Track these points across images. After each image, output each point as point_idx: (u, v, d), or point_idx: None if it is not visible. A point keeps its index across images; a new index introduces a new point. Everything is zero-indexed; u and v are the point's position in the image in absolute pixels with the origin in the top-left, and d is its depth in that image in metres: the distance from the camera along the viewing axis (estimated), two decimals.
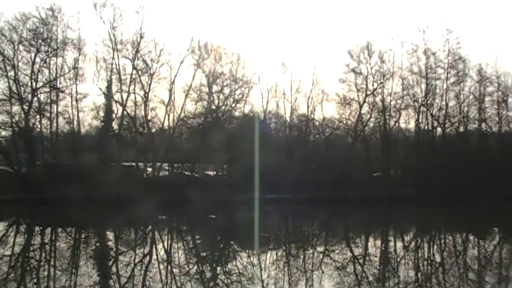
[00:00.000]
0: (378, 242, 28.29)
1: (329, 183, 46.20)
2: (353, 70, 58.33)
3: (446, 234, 31.23)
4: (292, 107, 57.97)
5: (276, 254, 22.94)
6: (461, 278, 17.77)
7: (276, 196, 44.00)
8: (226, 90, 53.34)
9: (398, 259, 21.68)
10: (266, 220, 33.48)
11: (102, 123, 50.15)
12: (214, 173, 52.95)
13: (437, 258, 22.06)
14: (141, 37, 48.28)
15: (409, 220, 39.56)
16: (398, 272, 18.59)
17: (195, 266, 19.72)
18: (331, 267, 19.15)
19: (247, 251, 22.87)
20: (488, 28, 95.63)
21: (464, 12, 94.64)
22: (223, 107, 53.59)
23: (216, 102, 53.27)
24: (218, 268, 19.57)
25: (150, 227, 33.09)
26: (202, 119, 53.24)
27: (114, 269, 18.80)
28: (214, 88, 52.96)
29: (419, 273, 18.56)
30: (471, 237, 29.51)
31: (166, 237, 28.91)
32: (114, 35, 47.96)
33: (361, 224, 36.66)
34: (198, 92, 52.27)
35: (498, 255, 22.85)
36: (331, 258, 21.14)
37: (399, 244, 26.75)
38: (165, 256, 22.07)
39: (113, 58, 48.49)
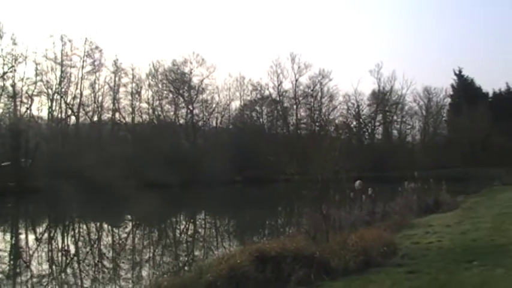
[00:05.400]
0: (7, 236, 26.36)
1: None
2: None
3: (81, 223, 31.00)
4: None
5: None
6: (96, 265, 17.83)
7: None
8: None
9: (31, 252, 20.63)
10: None
11: None
12: None
13: (73, 248, 21.80)
14: None
15: (41, 211, 38.25)
16: (31, 266, 17.59)
17: None
18: None
19: None
20: (124, 20, 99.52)
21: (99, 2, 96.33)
22: None
23: None
24: None
25: None
26: None
27: None
28: None
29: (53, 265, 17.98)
30: (106, 226, 29.88)
31: None
32: None
33: None
34: None
35: (131, 242, 23.76)
36: None
37: (31, 236, 25.49)
38: None
39: None
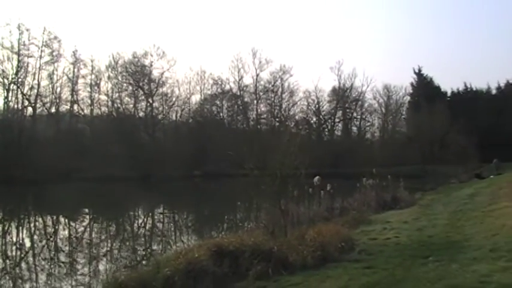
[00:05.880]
0: None
1: None
2: None
3: (37, 216, 30.38)
4: None
5: None
6: (52, 259, 17.43)
7: None
8: None
9: None
10: None
11: None
12: None
13: (28, 242, 21.28)
14: None
15: None
16: None
17: None
18: None
19: None
20: (84, 11, 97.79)
21: None
22: None
23: None
24: None
25: None
26: None
27: None
28: None
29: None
30: (62, 219, 29.23)
31: None
32: None
33: None
34: None
35: (88, 235, 23.32)
36: None
37: None
38: None
39: None
